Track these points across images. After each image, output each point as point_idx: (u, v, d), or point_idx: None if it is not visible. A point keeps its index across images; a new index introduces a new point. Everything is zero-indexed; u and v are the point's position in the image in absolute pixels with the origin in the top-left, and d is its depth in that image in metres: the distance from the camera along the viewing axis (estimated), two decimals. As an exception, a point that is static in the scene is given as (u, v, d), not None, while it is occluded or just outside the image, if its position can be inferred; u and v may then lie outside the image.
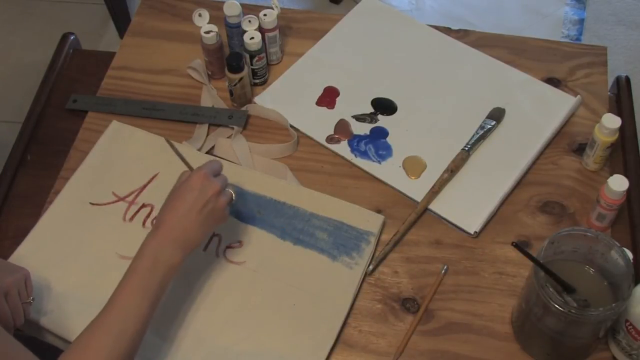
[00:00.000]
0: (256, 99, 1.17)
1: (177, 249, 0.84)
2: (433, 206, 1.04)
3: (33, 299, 0.90)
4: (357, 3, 1.31)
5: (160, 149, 1.10)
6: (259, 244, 1.00)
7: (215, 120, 1.14)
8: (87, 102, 1.18)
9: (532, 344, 0.91)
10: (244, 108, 1.16)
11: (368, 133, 1.13)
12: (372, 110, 1.16)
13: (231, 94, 1.14)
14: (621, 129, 1.04)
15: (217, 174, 0.92)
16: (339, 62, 1.22)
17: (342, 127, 1.14)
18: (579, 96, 1.15)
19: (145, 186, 1.06)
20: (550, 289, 0.81)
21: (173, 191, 0.89)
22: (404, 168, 1.09)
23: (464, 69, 1.21)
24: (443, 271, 0.98)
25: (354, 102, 1.17)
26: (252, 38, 1.13)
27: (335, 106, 1.16)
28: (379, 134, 1.13)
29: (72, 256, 0.99)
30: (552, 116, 1.13)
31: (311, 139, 1.13)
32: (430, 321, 0.95)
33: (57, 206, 1.04)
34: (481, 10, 2.26)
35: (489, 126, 1.12)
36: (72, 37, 1.29)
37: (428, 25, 1.27)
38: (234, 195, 0.93)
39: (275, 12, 1.17)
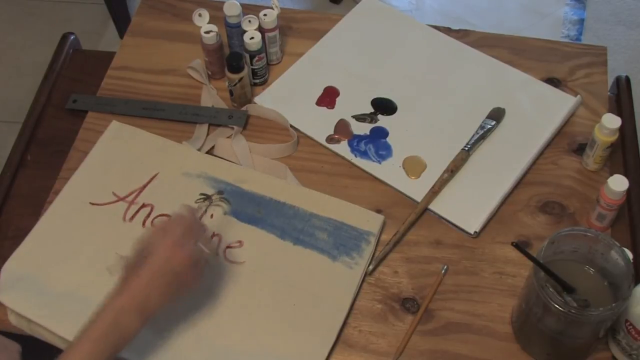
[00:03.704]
0: (256, 99, 1.17)
1: (138, 317, 0.79)
2: (433, 206, 1.04)
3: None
4: (357, 3, 1.31)
5: (160, 149, 1.10)
6: (259, 244, 1.00)
7: (215, 120, 1.14)
8: (87, 102, 1.18)
9: (532, 344, 0.91)
10: (244, 108, 1.16)
11: (368, 133, 1.13)
12: (372, 110, 1.16)
13: (231, 94, 1.14)
14: (621, 129, 1.04)
15: (191, 229, 0.84)
16: (339, 62, 1.22)
17: (342, 127, 1.14)
18: (579, 96, 1.15)
19: (145, 186, 1.06)
20: (550, 289, 0.81)
21: (141, 248, 0.83)
22: (404, 168, 1.09)
23: (464, 69, 1.21)
24: (443, 271, 0.98)
25: (354, 102, 1.17)
26: (252, 38, 1.13)
27: (335, 106, 1.16)
28: (379, 134, 1.13)
29: (72, 256, 0.99)
30: (552, 116, 1.13)
31: (311, 139, 1.13)
32: (430, 321, 0.95)
33: (57, 206, 1.04)
34: (481, 10, 2.26)
35: (489, 126, 1.12)
36: (72, 37, 1.29)
37: (428, 25, 1.27)
38: (208, 254, 0.86)
39: (275, 12, 1.17)
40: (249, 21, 1.15)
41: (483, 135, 1.11)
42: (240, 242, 1.01)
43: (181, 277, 0.82)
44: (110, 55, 1.24)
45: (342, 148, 1.11)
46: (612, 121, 1.02)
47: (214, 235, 1.01)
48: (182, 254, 0.81)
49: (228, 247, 1.00)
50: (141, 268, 0.80)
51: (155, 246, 0.81)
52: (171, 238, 0.82)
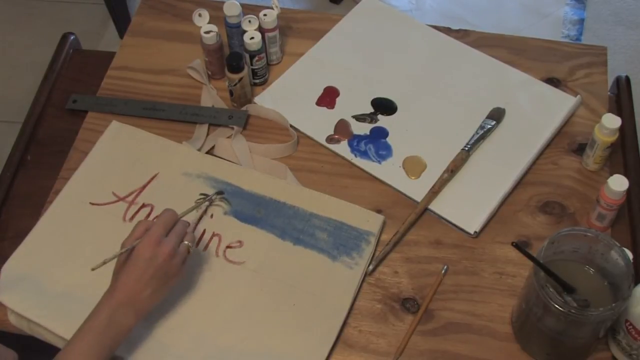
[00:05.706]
0: (256, 99, 1.17)
1: (131, 312, 0.85)
2: (433, 206, 1.04)
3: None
4: (357, 3, 1.31)
5: (160, 149, 1.10)
6: (259, 244, 1.00)
7: (215, 120, 1.14)
8: (87, 102, 1.18)
9: (532, 344, 0.91)
10: (244, 108, 1.16)
11: (368, 133, 1.13)
12: (372, 110, 1.16)
13: (231, 94, 1.14)
14: (621, 129, 1.04)
15: (170, 226, 0.90)
16: (339, 62, 1.22)
17: (342, 127, 1.14)
18: (579, 96, 1.15)
19: (145, 186, 1.06)
20: (550, 289, 0.81)
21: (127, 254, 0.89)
22: (404, 168, 1.09)
23: (464, 69, 1.21)
24: (443, 271, 0.98)
25: (354, 102, 1.17)
26: (252, 38, 1.13)
27: (335, 106, 1.16)
28: (379, 134, 1.13)
29: (72, 256, 0.99)
30: (552, 116, 1.13)
31: (311, 139, 1.13)
32: (430, 321, 0.95)
33: (57, 206, 1.04)
34: (481, 10, 2.26)
35: (489, 126, 1.12)
36: (72, 37, 1.29)
37: (428, 25, 1.27)
38: (190, 248, 0.91)
39: (275, 12, 1.17)
40: (249, 21, 1.15)
41: (483, 135, 1.11)
42: (240, 242, 1.01)
43: (165, 269, 0.87)
44: (110, 55, 1.24)
45: (342, 148, 1.11)
46: (612, 121, 1.02)
47: (213, 235, 1.01)
48: (163, 250, 0.87)
49: (228, 247, 1.00)
50: (129, 266, 0.86)
51: (139, 246, 0.87)
52: (152, 237, 0.87)
